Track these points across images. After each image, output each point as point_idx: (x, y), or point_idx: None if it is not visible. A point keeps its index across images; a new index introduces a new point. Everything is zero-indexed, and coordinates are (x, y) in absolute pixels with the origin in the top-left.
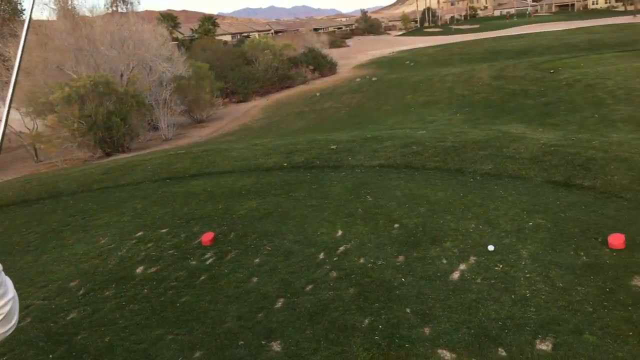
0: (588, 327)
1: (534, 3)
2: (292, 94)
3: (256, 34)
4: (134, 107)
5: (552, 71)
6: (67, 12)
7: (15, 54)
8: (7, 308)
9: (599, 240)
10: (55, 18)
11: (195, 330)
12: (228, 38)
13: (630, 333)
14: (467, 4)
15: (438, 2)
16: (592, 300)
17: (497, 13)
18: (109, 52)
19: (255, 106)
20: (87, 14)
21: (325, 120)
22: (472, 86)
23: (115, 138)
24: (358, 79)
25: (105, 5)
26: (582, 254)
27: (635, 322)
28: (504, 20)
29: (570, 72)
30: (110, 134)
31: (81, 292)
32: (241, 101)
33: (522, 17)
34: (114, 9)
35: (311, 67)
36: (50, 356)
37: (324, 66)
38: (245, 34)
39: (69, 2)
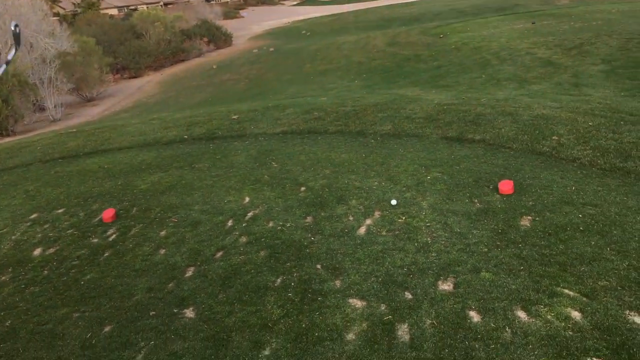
0: (484, 266)
1: None
2: (188, 68)
3: (144, 7)
4: (16, 86)
5: (441, 36)
6: None
7: None
8: None
9: (490, 187)
10: None
11: (103, 306)
12: (114, 12)
13: (522, 267)
14: None
15: None
16: (487, 242)
17: None
18: None
19: (150, 81)
20: None
21: (224, 93)
22: (368, 53)
23: None
24: (255, 50)
25: None
26: (476, 201)
27: (525, 257)
28: None
29: (458, 36)
30: None
31: None
32: (133, 77)
33: None
34: None
35: (206, 39)
36: None
37: (219, 38)
38: (133, 7)
39: None
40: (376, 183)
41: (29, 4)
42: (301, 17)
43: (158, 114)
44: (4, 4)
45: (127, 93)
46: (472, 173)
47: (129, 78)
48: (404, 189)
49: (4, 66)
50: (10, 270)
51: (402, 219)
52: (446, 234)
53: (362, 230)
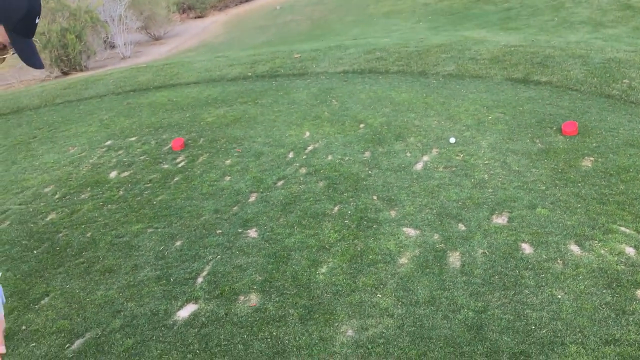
0: (541, 202)
1: None
2: (251, 9)
3: None
4: (88, 23)
5: None
6: None
7: None
8: None
9: (554, 129)
10: None
11: (174, 224)
12: None
13: (579, 205)
14: None
15: None
16: (545, 180)
17: None
18: None
19: (214, 22)
20: None
21: (287, 34)
22: None
23: (72, 56)
24: None
25: None
26: (538, 141)
27: (584, 196)
28: None
29: None
30: (67, 52)
31: (57, 196)
32: (199, 17)
33: None
34: None
35: None
36: (35, 252)
37: None
38: None
39: None
40: (435, 122)
41: None
42: None
43: (223, 52)
44: None
45: (193, 33)
46: (536, 114)
47: (194, 18)
48: (464, 128)
49: None
50: (89, 189)
51: (459, 156)
52: (504, 172)
53: (418, 166)
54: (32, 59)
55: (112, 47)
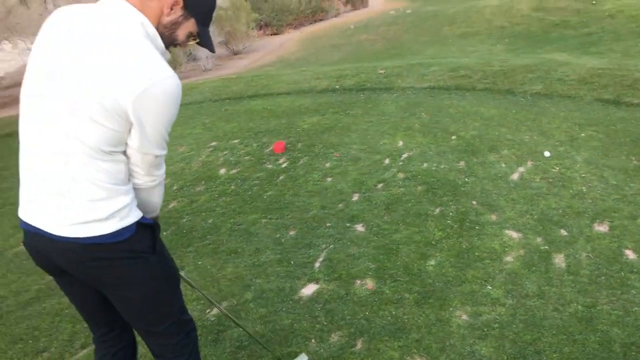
0: None
1: None
2: (326, 27)
3: None
4: None
5: (594, 2)
6: None
7: None
8: (163, 175)
9: None
10: None
11: (285, 216)
12: None
13: None
14: None
15: None
16: None
17: None
18: None
19: (290, 39)
20: None
21: (362, 52)
22: (511, 17)
23: None
24: (392, 12)
25: None
26: (634, 158)
27: None
28: None
29: (613, 3)
30: None
31: (175, 187)
32: (275, 34)
33: None
34: None
35: (343, 0)
36: (164, 233)
37: None
38: None
39: None
40: (527, 137)
41: None
42: None
43: (308, 67)
44: None
45: (270, 49)
46: (630, 134)
47: (271, 34)
48: (557, 143)
49: None
50: (203, 183)
51: (555, 169)
52: (602, 185)
53: (515, 176)
54: (211, 44)
55: (194, 59)
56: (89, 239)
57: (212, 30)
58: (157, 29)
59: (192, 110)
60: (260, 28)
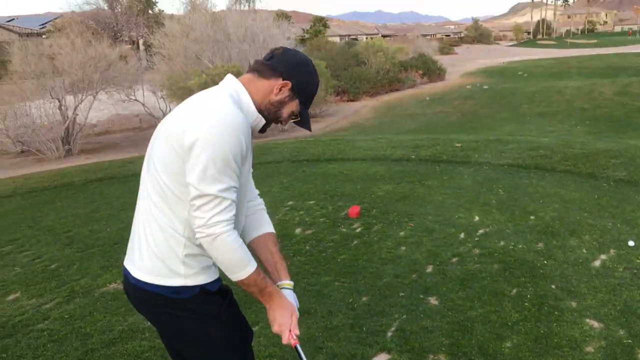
0: None
1: None
2: (401, 97)
3: (364, 37)
4: None
5: None
6: (197, 6)
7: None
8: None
9: None
10: (183, 12)
11: (358, 281)
12: (336, 39)
13: None
14: (586, 17)
15: (554, 14)
16: None
17: (617, 29)
18: (241, 44)
19: (365, 106)
20: (223, 8)
21: (437, 124)
22: (593, 100)
23: None
24: (468, 86)
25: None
26: None
27: None
28: (626, 37)
29: None
30: None
31: None
32: (351, 100)
33: None
34: (237, 5)
35: (420, 72)
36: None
37: (434, 72)
38: (354, 37)
39: None
40: (610, 223)
41: (279, 26)
42: (517, 58)
43: (382, 134)
44: (261, 26)
45: (345, 114)
46: None
47: (347, 101)
48: None
49: None
50: (279, 241)
51: None
52: None
53: (596, 262)
54: (309, 124)
55: None
56: (152, 285)
57: None
58: (264, 105)
59: (270, 169)
60: (338, 94)
